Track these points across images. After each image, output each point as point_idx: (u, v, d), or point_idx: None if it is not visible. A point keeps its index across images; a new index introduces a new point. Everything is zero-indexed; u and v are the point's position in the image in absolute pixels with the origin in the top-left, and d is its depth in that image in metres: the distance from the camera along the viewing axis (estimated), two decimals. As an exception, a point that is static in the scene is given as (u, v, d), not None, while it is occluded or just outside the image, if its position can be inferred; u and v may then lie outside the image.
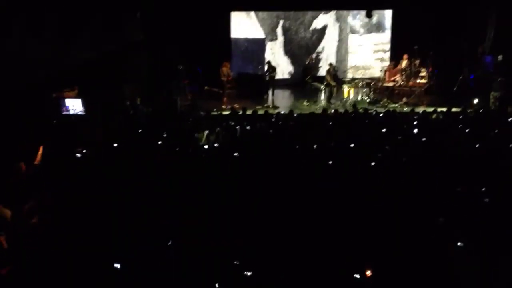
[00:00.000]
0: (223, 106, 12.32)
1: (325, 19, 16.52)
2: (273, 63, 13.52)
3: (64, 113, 9.62)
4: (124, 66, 11.43)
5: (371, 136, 7.97)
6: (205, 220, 4.46)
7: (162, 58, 13.12)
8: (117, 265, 3.73)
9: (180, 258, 3.91)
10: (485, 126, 8.64)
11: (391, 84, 14.14)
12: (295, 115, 10.14)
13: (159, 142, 7.82)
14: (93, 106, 9.66)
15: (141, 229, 4.27)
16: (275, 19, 16.28)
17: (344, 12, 16.52)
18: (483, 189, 5.29)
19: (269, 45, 16.38)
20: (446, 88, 12.98)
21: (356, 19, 16.63)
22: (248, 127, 8.78)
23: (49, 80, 9.46)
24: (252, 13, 16.08)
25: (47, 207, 4.72)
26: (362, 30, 16.71)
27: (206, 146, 7.72)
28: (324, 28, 16.55)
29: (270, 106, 12.56)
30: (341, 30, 16.66)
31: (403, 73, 13.84)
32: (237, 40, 16.07)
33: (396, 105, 12.55)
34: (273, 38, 16.37)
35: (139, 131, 8.85)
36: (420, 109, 11.08)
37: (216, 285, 3.57)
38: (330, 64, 13.71)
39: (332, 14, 16.50)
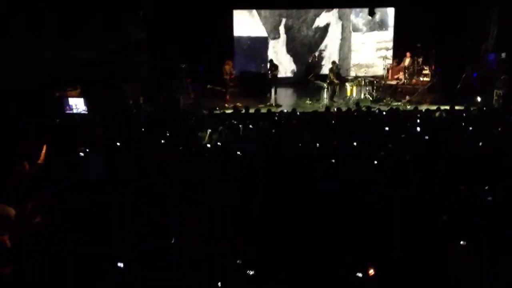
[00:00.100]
0: (226, 105, 12.33)
1: (327, 17, 16.50)
2: (275, 62, 13.53)
3: (68, 112, 9.65)
4: (125, 66, 11.45)
5: (374, 134, 7.96)
6: (207, 219, 4.46)
7: (163, 57, 13.13)
8: (120, 264, 3.74)
9: (182, 257, 3.91)
10: (488, 124, 8.60)
11: (394, 82, 14.12)
12: (298, 113, 10.14)
13: (162, 141, 7.83)
14: (94, 106, 9.68)
15: (143, 229, 4.28)
16: (277, 17, 16.27)
17: (347, 10, 16.49)
18: (486, 188, 5.28)
19: (271, 44, 16.37)
20: (449, 86, 12.94)
21: (358, 17, 16.60)
22: (251, 126, 8.78)
23: (49, 80, 9.48)
24: (255, 11, 16.07)
25: (48, 207, 4.73)
26: (364, 28, 16.67)
27: (208, 145, 7.72)
28: (326, 26, 16.53)
29: (273, 105, 12.56)
30: (343, 28, 16.63)
31: (406, 71, 13.82)
32: (239, 38, 16.07)
33: (399, 103, 12.53)
34: (276, 36, 16.36)
35: (142, 130, 8.87)
36: (423, 107, 11.07)
37: (219, 284, 3.57)
38: (333, 62, 13.71)
39: (334, 12, 16.47)
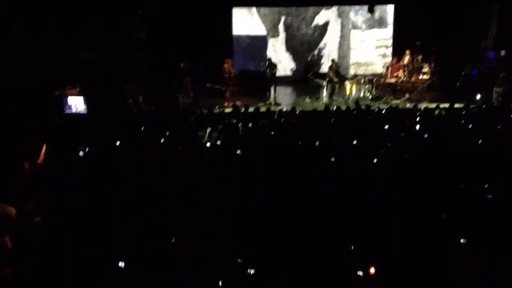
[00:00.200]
0: (225, 104, 12.32)
1: (327, 15, 16.48)
2: (275, 60, 13.51)
3: (67, 111, 9.64)
4: (125, 66, 11.44)
5: (374, 133, 7.96)
6: (207, 218, 4.47)
7: (163, 57, 13.13)
8: (121, 264, 3.75)
9: (182, 256, 3.92)
10: (488, 122, 8.61)
11: (393, 80, 14.13)
12: (297, 112, 10.13)
13: (162, 141, 7.83)
14: (94, 106, 9.68)
15: (144, 228, 4.28)
16: (276, 15, 16.25)
17: (346, 8, 16.47)
18: (486, 186, 5.28)
19: (271, 42, 16.36)
20: (448, 84, 12.92)
21: (358, 14, 16.58)
22: (250, 125, 8.78)
23: (49, 80, 9.48)
24: (254, 9, 16.06)
25: (48, 207, 4.74)
26: (364, 26, 16.65)
27: (208, 144, 7.72)
28: (326, 24, 16.51)
29: (272, 103, 12.55)
30: (343, 26, 16.61)
31: (406, 69, 13.83)
32: (238, 37, 16.06)
33: (399, 101, 12.53)
34: (275, 34, 16.35)
35: (142, 129, 8.87)
36: (423, 105, 11.06)
37: (219, 283, 3.58)
38: (332, 61, 13.71)
39: (334, 10, 16.46)
